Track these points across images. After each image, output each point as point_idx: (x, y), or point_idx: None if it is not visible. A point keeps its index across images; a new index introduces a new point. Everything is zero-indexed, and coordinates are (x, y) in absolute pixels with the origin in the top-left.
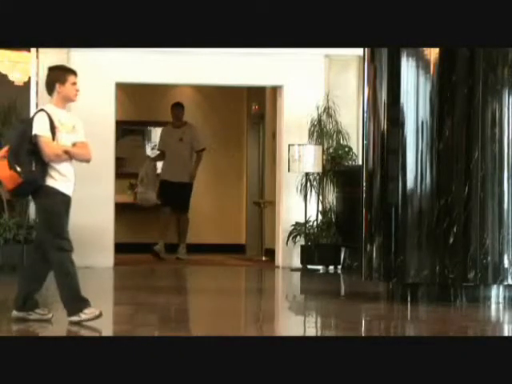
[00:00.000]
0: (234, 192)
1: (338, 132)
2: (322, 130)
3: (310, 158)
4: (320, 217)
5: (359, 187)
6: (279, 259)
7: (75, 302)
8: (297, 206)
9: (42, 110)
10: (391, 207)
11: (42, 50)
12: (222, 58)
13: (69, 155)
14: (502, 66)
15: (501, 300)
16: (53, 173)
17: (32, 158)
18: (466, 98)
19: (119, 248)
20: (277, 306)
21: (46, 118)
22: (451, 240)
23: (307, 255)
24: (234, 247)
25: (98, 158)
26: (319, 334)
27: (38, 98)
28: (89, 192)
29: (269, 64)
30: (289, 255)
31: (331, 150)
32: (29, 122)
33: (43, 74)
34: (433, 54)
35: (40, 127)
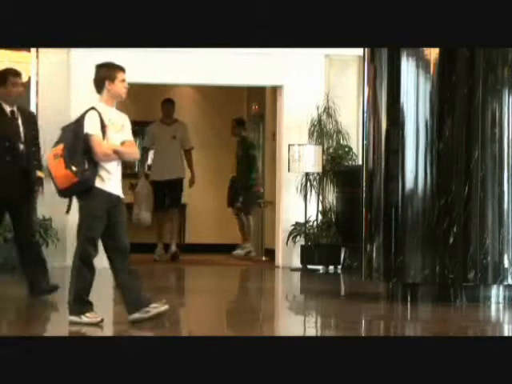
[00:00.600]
0: None
1: (338, 132)
2: (322, 130)
3: (310, 158)
4: (320, 217)
5: (359, 187)
6: (279, 259)
7: (79, 302)
8: (297, 206)
9: (92, 108)
10: (391, 207)
11: (41, 50)
12: (222, 58)
13: (118, 154)
14: (502, 66)
15: (501, 300)
16: (102, 172)
17: (85, 157)
18: (466, 98)
19: None
20: (277, 306)
21: (97, 117)
22: (451, 240)
23: (307, 255)
24: (234, 247)
25: None
26: (319, 334)
27: (38, 98)
28: None
29: (269, 64)
30: (289, 255)
31: (331, 150)
32: (80, 121)
33: (43, 74)
34: (433, 54)
35: (91, 126)
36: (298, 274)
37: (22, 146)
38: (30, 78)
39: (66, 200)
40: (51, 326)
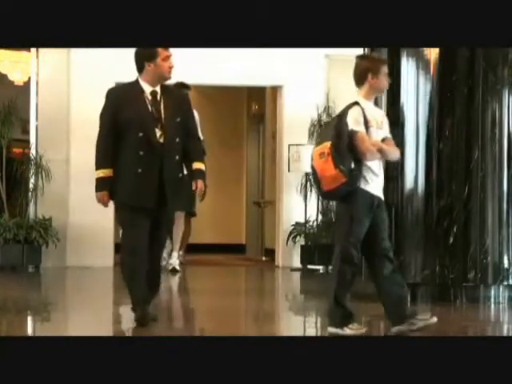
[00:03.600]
0: (233, 192)
1: None
2: None
3: (310, 158)
4: (320, 217)
5: None
6: (279, 259)
7: (341, 312)
8: (297, 206)
9: (356, 103)
10: (391, 207)
11: (42, 50)
12: (221, 58)
13: (381, 153)
14: (502, 65)
15: (501, 300)
16: (366, 172)
17: (351, 155)
18: (466, 98)
19: (119, 248)
20: (277, 306)
21: (361, 112)
22: (451, 240)
23: (307, 255)
24: (234, 247)
25: None
26: (319, 334)
27: (38, 97)
28: (89, 192)
29: (269, 64)
30: (289, 255)
31: None
32: (342, 117)
33: (43, 74)
34: (433, 54)
35: (355, 122)
36: (297, 274)
37: (160, 137)
38: (29, 77)
39: (66, 200)
40: (51, 326)
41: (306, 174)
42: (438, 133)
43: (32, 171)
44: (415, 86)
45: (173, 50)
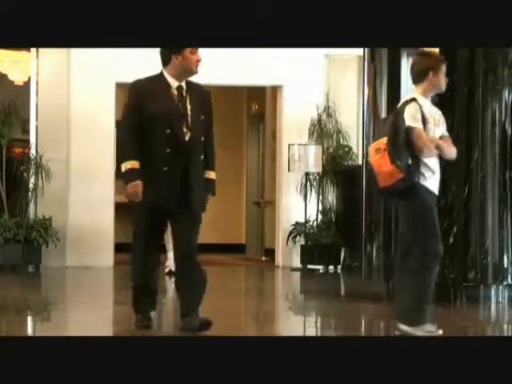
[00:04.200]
0: (233, 192)
1: (338, 132)
2: (322, 130)
3: (310, 158)
4: (320, 217)
5: (359, 187)
6: (279, 259)
7: (415, 312)
8: (297, 206)
9: (413, 99)
10: (391, 207)
11: (42, 50)
12: (222, 58)
13: (439, 150)
14: (502, 65)
15: (501, 300)
16: (423, 169)
17: (408, 151)
18: (466, 98)
19: (119, 248)
20: (277, 306)
21: (418, 109)
22: (451, 240)
23: (307, 255)
24: (234, 247)
25: (98, 158)
26: (319, 334)
27: (38, 97)
28: (89, 192)
29: (269, 64)
30: (289, 255)
31: (331, 150)
32: (400, 113)
33: (43, 74)
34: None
35: (413, 118)
36: (297, 274)
37: (186, 135)
38: (29, 77)
39: (66, 200)
40: (51, 326)
41: (306, 174)
42: None
43: (32, 171)
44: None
45: None
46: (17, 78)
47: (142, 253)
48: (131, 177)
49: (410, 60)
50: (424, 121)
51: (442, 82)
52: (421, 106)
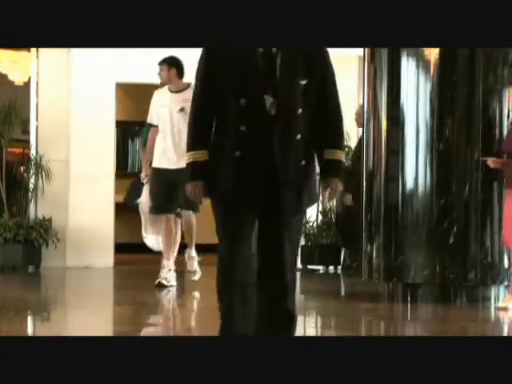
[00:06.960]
0: None
1: None
2: None
3: None
4: (320, 217)
5: (359, 187)
6: None
7: None
8: None
9: None
10: (391, 207)
11: (42, 50)
12: None
13: None
14: (502, 65)
15: (501, 300)
16: None
17: None
18: (466, 98)
19: (119, 248)
20: None
21: None
22: (451, 240)
23: (307, 255)
24: None
25: (98, 158)
26: (319, 333)
27: (38, 97)
28: (89, 192)
29: None
30: None
31: None
32: None
33: (43, 74)
34: (433, 54)
35: None
36: (297, 274)
37: (271, 107)
38: (29, 77)
39: (66, 201)
40: (51, 325)
41: None
42: (438, 133)
43: (32, 171)
44: (415, 86)
45: (173, 50)
46: (17, 78)
47: (223, 271)
48: (191, 174)
49: (410, 60)
50: None
51: None
52: None
